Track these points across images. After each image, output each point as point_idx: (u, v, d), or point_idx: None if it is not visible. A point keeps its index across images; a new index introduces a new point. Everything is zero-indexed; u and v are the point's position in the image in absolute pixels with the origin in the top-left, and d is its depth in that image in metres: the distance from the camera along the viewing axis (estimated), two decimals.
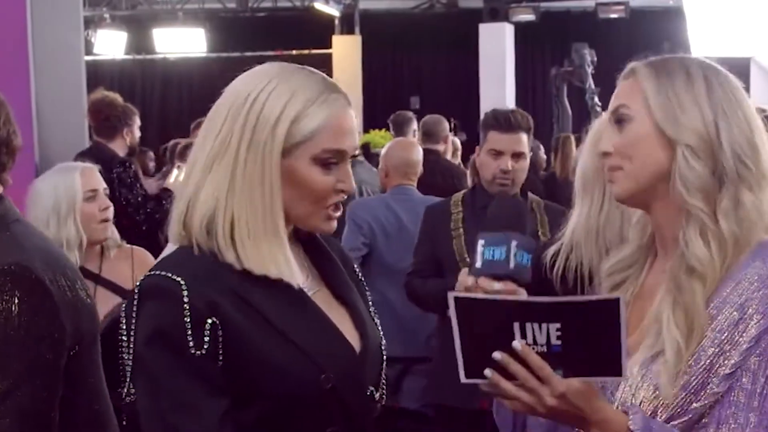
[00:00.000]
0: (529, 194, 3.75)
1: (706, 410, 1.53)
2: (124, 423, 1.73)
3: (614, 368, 1.45)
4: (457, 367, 1.52)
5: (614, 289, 1.73)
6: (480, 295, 1.53)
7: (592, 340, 1.45)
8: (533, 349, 1.45)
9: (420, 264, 3.82)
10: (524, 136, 3.61)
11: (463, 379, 1.50)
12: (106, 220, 3.30)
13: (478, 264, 1.59)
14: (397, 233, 4.52)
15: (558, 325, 1.43)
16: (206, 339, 1.52)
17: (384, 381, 1.74)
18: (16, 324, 1.77)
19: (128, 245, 3.48)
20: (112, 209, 3.37)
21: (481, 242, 1.59)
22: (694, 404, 1.53)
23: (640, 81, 1.64)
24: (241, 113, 1.60)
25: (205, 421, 1.53)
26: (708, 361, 1.53)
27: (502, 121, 3.60)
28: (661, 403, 1.54)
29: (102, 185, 3.34)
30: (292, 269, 1.61)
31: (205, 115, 1.68)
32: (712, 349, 1.53)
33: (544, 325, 1.44)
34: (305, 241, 1.76)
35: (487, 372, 1.47)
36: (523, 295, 1.58)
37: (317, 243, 1.76)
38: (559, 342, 1.44)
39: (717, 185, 1.59)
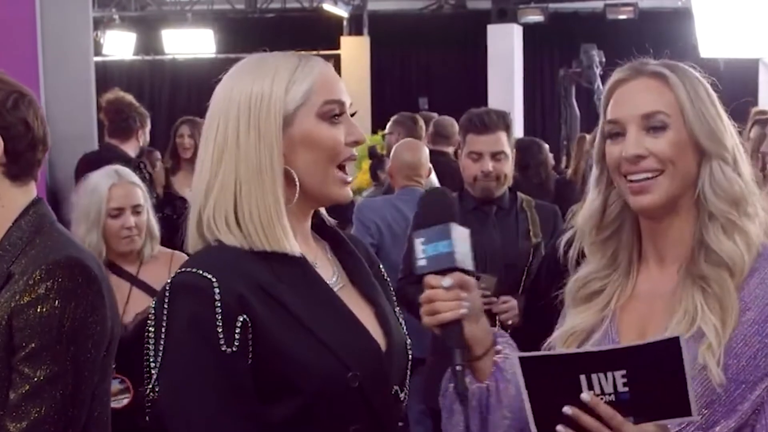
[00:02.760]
0: (519, 194, 3.75)
1: (755, 408, 1.54)
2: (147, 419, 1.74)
3: (683, 408, 1.44)
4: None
5: (590, 299, 1.74)
6: (544, 353, 1.54)
7: (658, 382, 1.45)
8: (602, 399, 1.45)
9: (410, 269, 3.77)
10: (502, 136, 3.61)
11: None
12: (129, 237, 3.33)
13: (422, 263, 1.57)
14: (404, 233, 4.51)
15: (623, 372, 1.43)
16: (237, 336, 1.53)
17: (408, 381, 1.74)
18: (72, 316, 1.85)
19: (169, 250, 3.52)
20: (140, 225, 3.40)
21: (420, 240, 1.57)
22: (748, 398, 1.53)
23: (673, 88, 1.65)
24: (232, 107, 1.64)
25: (226, 421, 1.53)
26: (745, 366, 1.54)
27: (477, 123, 3.61)
28: (712, 395, 1.55)
29: (132, 203, 3.36)
30: (290, 240, 1.62)
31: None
32: (749, 351, 1.55)
33: (609, 374, 1.43)
34: (332, 240, 1.78)
35: (560, 428, 1.46)
36: (472, 284, 1.59)
37: (343, 241, 1.78)
38: (626, 389, 1.44)
39: (745, 189, 1.66)
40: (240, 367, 1.54)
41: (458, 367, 1.58)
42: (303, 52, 1.73)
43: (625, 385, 1.44)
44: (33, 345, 1.82)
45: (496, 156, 3.58)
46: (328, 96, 1.65)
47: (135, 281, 3.40)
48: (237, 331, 1.53)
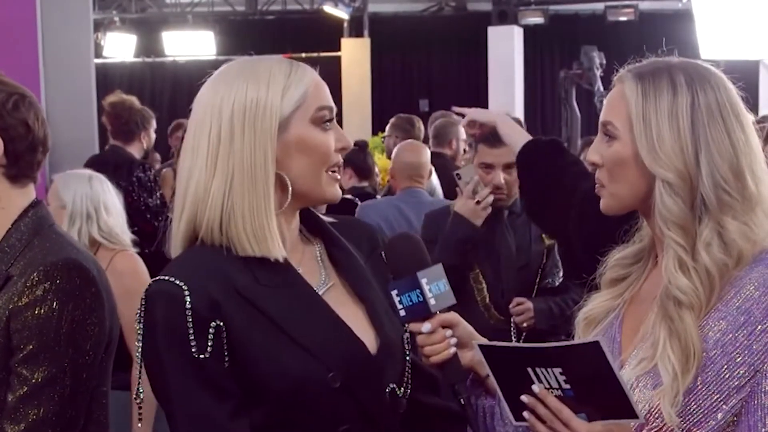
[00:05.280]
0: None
1: (730, 419, 1.52)
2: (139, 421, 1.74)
3: (627, 410, 1.46)
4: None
5: (612, 284, 1.73)
6: (496, 344, 1.59)
7: (594, 382, 1.46)
8: (552, 392, 1.48)
9: None
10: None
11: (514, 423, 1.56)
12: None
13: (402, 313, 1.64)
14: None
15: (560, 370, 1.46)
16: (210, 342, 1.55)
17: (408, 376, 1.73)
18: (70, 318, 1.85)
19: (115, 249, 3.51)
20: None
21: (394, 293, 1.64)
22: (722, 408, 1.52)
23: (626, 97, 1.63)
24: (225, 111, 1.63)
25: (212, 423, 1.56)
26: (717, 375, 1.52)
27: (489, 136, 3.60)
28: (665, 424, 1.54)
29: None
30: (276, 246, 1.62)
31: None
32: (721, 360, 1.52)
33: (549, 370, 1.47)
34: (325, 238, 1.78)
35: (525, 414, 1.52)
36: (454, 320, 1.65)
37: (336, 239, 1.77)
38: (568, 386, 1.47)
39: (697, 217, 1.57)
40: (217, 370, 1.56)
41: (462, 400, 1.66)
42: (305, 55, 1.74)
43: (566, 382, 1.47)
44: (31, 347, 1.82)
45: (507, 167, 3.57)
46: (321, 102, 1.67)
47: None
48: (210, 336, 1.55)
